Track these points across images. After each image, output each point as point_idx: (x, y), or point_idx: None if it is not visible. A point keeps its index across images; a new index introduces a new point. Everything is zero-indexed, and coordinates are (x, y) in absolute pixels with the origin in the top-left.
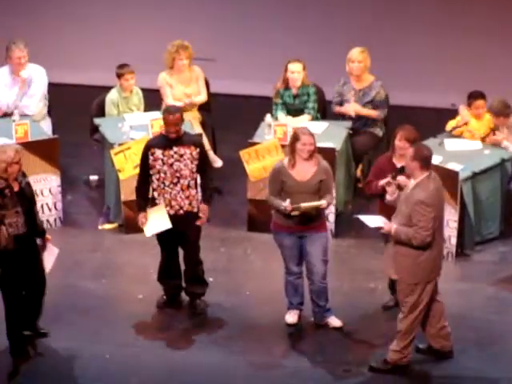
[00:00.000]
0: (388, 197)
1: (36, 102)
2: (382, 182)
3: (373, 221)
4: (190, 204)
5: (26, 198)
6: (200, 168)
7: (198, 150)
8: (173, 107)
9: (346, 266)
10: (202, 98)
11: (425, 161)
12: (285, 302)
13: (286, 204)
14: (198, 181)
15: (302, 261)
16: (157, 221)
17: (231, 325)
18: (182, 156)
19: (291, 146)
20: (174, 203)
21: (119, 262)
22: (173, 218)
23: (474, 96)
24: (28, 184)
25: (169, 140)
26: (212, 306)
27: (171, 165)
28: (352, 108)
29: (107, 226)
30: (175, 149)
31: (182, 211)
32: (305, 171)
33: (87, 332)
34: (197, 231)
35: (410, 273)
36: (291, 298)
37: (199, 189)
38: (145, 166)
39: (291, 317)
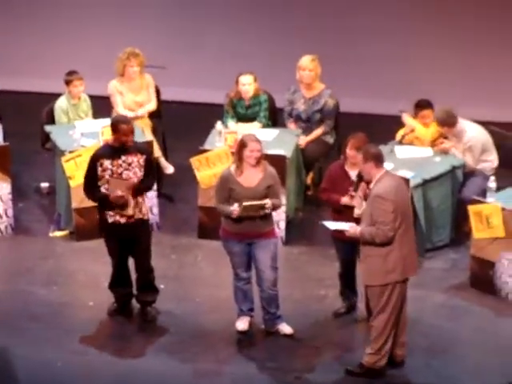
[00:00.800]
0: (356, 210)
1: None
2: (344, 200)
3: (337, 225)
4: (140, 211)
5: None
6: (145, 174)
7: (144, 156)
8: (123, 116)
9: (297, 273)
10: (152, 105)
11: (377, 158)
12: (235, 308)
13: (234, 207)
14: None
15: (251, 267)
16: None
17: (181, 332)
18: (130, 164)
19: (238, 153)
20: (124, 212)
21: (70, 269)
22: (123, 226)
23: (420, 105)
24: None
25: (116, 150)
26: (162, 313)
27: (120, 174)
28: (302, 141)
29: (58, 233)
30: (123, 158)
31: (132, 219)
32: (252, 177)
33: (38, 339)
34: (148, 238)
35: (380, 274)
36: (241, 305)
37: (149, 194)
38: (93, 177)
39: (242, 323)
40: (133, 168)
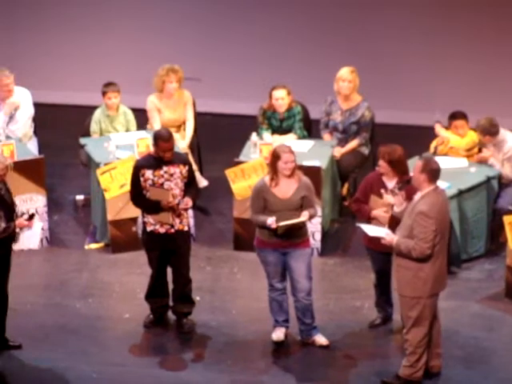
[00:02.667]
0: (395, 208)
1: (22, 125)
2: (374, 213)
3: (374, 230)
4: (180, 223)
5: (6, 204)
6: (188, 184)
7: (187, 167)
8: (165, 133)
9: (332, 285)
10: (190, 125)
11: (433, 174)
12: (271, 320)
13: (271, 221)
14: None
15: (286, 277)
16: None
17: (218, 344)
18: (172, 175)
19: (272, 165)
20: (173, 220)
21: (106, 282)
22: (163, 236)
23: (453, 116)
24: (8, 190)
25: (158, 160)
26: (199, 325)
27: (162, 184)
28: (337, 153)
29: (94, 246)
30: (165, 168)
31: (172, 230)
32: (286, 188)
33: (74, 352)
34: (187, 250)
35: (411, 286)
36: (276, 316)
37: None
38: (137, 187)
39: (277, 334)
40: (174, 179)
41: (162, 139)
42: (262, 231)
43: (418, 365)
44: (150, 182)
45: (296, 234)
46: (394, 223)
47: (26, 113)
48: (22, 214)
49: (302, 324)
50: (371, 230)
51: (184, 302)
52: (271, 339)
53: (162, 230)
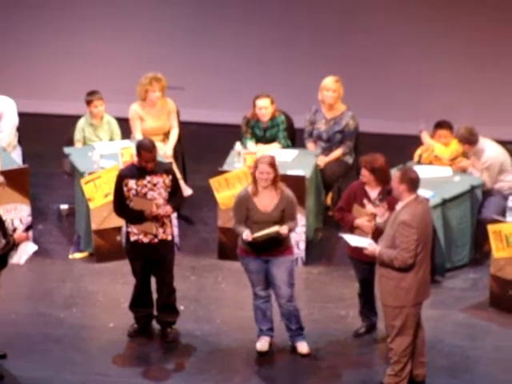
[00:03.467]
0: (378, 219)
1: (7, 135)
2: (357, 222)
3: (357, 241)
4: (164, 232)
5: (1, 220)
6: (172, 193)
7: (170, 177)
8: (148, 143)
9: (317, 294)
10: (175, 133)
11: (412, 183)
12: (256, 329)
13: (246, 234)
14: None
15: (269, 285)
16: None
17: (202, 353)
18: (155, 185)
19: (252, 174)
20: (157, 229)
21: (90, 291)
22: (147, 246)
23: (438, 125)
24: None
25: (141, 170)
26: (183, 334)
27: (145, 194)
28: (321, 162)
29: (78, 255)
30: (148, 178)
31: (156, 239)
32: (268, 201)
33: (59, 361)
34: (171, 259)
35: (394, 296)
36: (260, 324)
37: (172, 216)
38: (120, 197)
39: (261, 344)
40: (158, 188)
41: (145, 149)
42: (243, 241)
43: (403, 374)
44: (133, 191)
45: (276, 245)
46: (377, 233)
47: (10, 122)
48: (15, 228)
49: (288, 330)
50: (354, 240)
51: (168, 312)
52: (255, 349)
53: (145, 240)
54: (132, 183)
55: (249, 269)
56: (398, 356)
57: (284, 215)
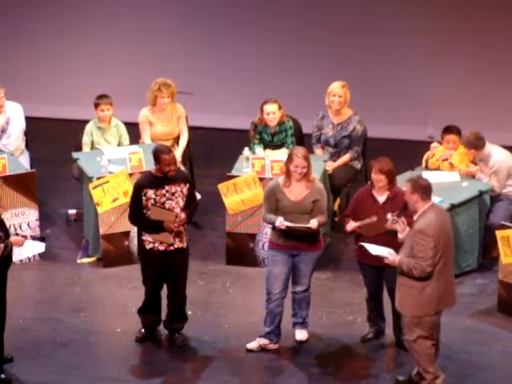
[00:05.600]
0: (399, 235)
1: (14, 139)
2: (348, 226)
3: (377, 250)
4: (180, 241)
5: (3, 224)
6: (188, 202)
7: (187, 185)
8: (163, 147)
9: (325, 299)
10: (185, 138)
11: (424, 191)
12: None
13: (280, 222)
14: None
15: (287, 285)
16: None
17: (210, 358)
18: (173, 194)
19: (286, 166)
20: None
21: (98, 296)
22: (162, 254)
23: (446, 130)
24: None
25: (160, 179)
26: (191, 339)
27: (163, 203)
28: (329, 167)
29: (86, 260)
30: (167, 187)
31: (172, 247)
32: (299, 191)
33: (66, 366)
34: (185, 267)
35: (413, 305)
36: (266, 326)
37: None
38: (138, 206)
39: (253, 343)
40: (176, 198)
41: (163, 152)
42: (274, 234)
43: (436, 372)
44: (151, 201)
45: (307, 239)
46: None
47: (18, 126)
48: (17, 234)
49: (293, 315)
50: (374, 249)
51: (178, 318)
52: (245, 348)
53: (161, 248)
54: (151, 193)
55: (276, 260)
56: (428, 364)
57: (313, 207)
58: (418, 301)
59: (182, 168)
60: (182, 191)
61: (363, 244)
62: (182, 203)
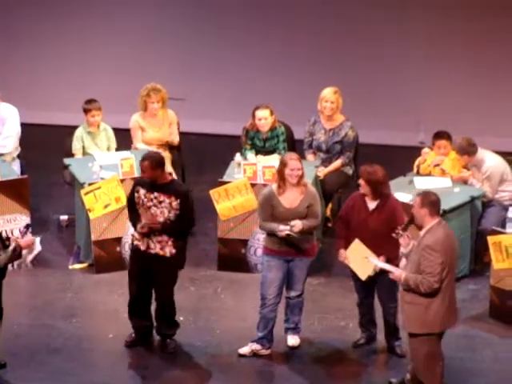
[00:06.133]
0: (402, 249)
1: (12, 140)
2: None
3: (382, 264)
4: (161, 249)
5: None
6: (180, 217)
7: (178, 200)
8: (146, 154)
9: (317, 305)
10: (174, 143)
11: (433, 206)
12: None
13: (283, 228)
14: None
15: (282, 291)
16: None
17: (202, 364)
18: (160, 203)
19: (279, 173)
20: (146, 240)
21: (90, 302)
22: (143, 254)
23: (436, 136)
24: None
25: (153, 184)
26: (183, 344)
27: (149, 208)
28: (321, 173)
29: (77, 266)
30: (156, 194)
31: (151, 251)
32: (293, 197)
33: (59, 371)
34: (166, 275)
35: (420, 323)
36: (259, 331)
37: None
38: (132, 203)
39: (246, 348)
40: (161, 207)
41: (141, 159)
42: (269, 240)
43: None
44: (141, 200)
45: (301, 242)
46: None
47: (14, 128)
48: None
49: (286, 321)
50: (381, 263)
51: (167, 324)
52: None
53: (142, 248)
54: (142, 193)
55: (270, 265)
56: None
57: (308, 212)
58: (424, 318)
59: (174, 174)
60: (170, 203)
61: (370, 258)
62: (167, 215)
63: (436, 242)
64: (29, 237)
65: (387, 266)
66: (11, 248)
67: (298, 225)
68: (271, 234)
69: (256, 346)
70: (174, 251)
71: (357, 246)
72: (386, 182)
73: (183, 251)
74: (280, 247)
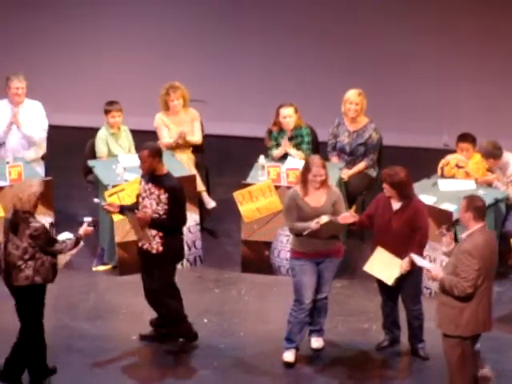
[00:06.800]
0: (444, 248)
1: (41, 131)
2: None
3: (423, 262)
4: (150, 245)
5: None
6: (169, 213)
7: (167, 194)
8: (147, 144)
9: (340, 307)
10: (196, 139)
11: (478, 211)
12: (280, 342)
13: (316, 221)
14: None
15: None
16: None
17: (225, 366)
18: (151, 194)
19: (303, 175)
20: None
21: (113, 304)
22: (140, 249)
23: (460, 138)
24: None
25: (149, 176)
26: (206, 347)
27: (143, 198)
28: (345, 175)
29: (101, 268)
30: (150, 185)
31: (144, 246)
32: (318, 197)
33: (82, 373)
34: (154, 271)
35: (453, 325)
36: (294, 336)
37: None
38: (137, 196)
39: (290, 355)
40: (150, 199)
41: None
42: (298, 243)
43: None
44: (141, 190)
45: (329, 242)
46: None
47: (42, 116)
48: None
49: (310, 323)
50: (421, 262)
51: (165, 322)
52: (282, 359)
53: (139, 244)
54: (142, 184)
55: (304, 269)
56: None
57: (334, 210)
58: (457, 321)
59: (199, 178)
60: (158, 196)
61: (412, 256)
62: (155, 207)
63: (475, 248)
64: (85, 227)
65: (426, 264)
66: (74, 237)
67: (325, 217)
68: (300, 236)
69: (295, 352)
70: (160, 248)
71: (380, 253)
72: (410, 181)
73: (172, 248)
74: (310, 250)
